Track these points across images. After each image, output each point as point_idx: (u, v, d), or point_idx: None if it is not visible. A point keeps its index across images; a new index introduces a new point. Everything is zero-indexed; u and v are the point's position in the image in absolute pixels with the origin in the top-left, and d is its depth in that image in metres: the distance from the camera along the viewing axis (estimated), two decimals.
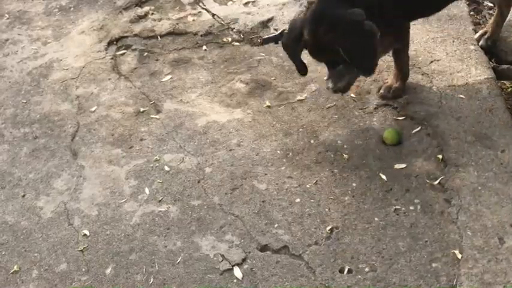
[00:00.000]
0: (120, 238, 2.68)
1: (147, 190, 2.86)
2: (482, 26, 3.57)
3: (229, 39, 3.66)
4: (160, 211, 2.76)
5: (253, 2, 3.92)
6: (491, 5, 3.75)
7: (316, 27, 2.65)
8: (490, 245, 2.43)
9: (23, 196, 2.92)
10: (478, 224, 2.50)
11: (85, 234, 2.71)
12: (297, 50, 2.79)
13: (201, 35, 3.72)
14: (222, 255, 2.55)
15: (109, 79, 3.51)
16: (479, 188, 2.63)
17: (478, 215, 2.53)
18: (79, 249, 2.66)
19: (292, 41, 2.80)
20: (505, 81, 3.19)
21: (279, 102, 3.19)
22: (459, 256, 2.41)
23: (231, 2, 3.96)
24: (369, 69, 2.70)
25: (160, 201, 2.80)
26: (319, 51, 2.73)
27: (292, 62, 2.89)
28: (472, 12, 3.62)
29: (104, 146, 3.10)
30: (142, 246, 2.64)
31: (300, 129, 3.02)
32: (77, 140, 3.16)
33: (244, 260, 2.53)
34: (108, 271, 2.57)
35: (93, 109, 3.32)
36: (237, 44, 3.63)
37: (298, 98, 3.18)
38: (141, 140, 3.11)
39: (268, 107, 3.17)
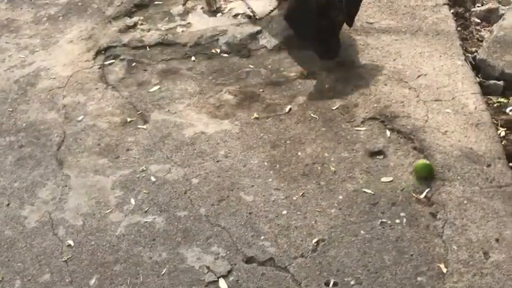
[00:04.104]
0: (104, 249, 2.66)
1: (132, 200, 2.84)
2: (469, 41, 3.61)
3: (218, 51, 3.66)
4: (146, 222, 2.74)
5: (243, 14, 3.93)
6: (479, 21, 3.79)
7: None
8: (475, 259, 2.43)
9: (8, 205, 2.90)
10: (464, 238, 2.51)
11: (69, 245, 2.69)
12: None
13: (190, 46, 3.72)
14: (208, 267, 2.54)
15: (96, 88, 3.50)
16: (465, 202, 2.64)
17: (464, 229, 2.54)
18: (63, 259, 2.64)
19: None
20: (491, 97, 3.22)
21: (267, 114, 3.19)
22: (444, 270, 2.41)
23: (220, 14, 3.97)
24: None
25: (146, 212, 2.79)
26: None
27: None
28: (459, 28, 3.65)
29: (90, 155, 3.09)
30: (127, 257, 2.62)
31: (288, 141, 3.02)
32: (63, 149, 3.14)
33: (229, 272, 2.51)
34: (92, 282, 2.54)
35: (79, 118, 3.31)
36: (226, 55, 3.63)
37: (286, 110, 3.19)
38: (128, 150, 3.09)
39: (256, 118, 3.17)
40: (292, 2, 3.46)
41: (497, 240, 2.48)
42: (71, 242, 2.70)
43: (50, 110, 3.39)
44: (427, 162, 2.76)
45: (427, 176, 2.75)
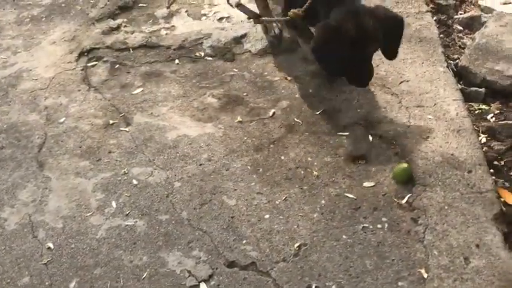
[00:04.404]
0: (85, 252, 2.63)
1: (114, 204, 2.82)
2: (452, 48, 3.64)
3: (202, 54, 3.66)
4: (127, 225, 2.72)
5: (227, 17, 3.93)
6: (461, 28, 3.82)
7: None
8: (455, 265, 2.45)
9: None
10: (444, 244, 2.52)
11: (49, 247, 2.66)
12: None
13: (174, 49, 3.71)
14: (189, 271, 2.53)
15: (79, 90, 3.47)
16: (446, 207, 2.65)
17: (444, 234, 2.55)
18: (43, 262, 2.61)
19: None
20: (472, 103, 3.24)
21: (251, 118, 3.19)
22: (425, 275, 2.42)
23: (205, 17, 3.97)
24: None
25: (127, 215, 2.77)
26: None
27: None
28: (441, 35, 3.68)
29: (72, 157, 3.06)
30: (108, 260, 2.59)
31: (271, 145, 3.02)
32: (44, 151, 3.11)
33: (211, 276, 2.50)
34: (71, 285, 2.52)
35: (61, 120, 3.28)
36: (210, 58, 3.63)
37: (270, 114, 3.19)
38: (110, 152, 3.07)
39: (240, 122, 3.17)
40: (320, 34, 3.00)
41: (477, 245, 2.50)
42: (50, 245, 2.67)
43: (31, 112, 3.36)
44: (405, 167, 2.77)
45: (406, 181, 2.76)
